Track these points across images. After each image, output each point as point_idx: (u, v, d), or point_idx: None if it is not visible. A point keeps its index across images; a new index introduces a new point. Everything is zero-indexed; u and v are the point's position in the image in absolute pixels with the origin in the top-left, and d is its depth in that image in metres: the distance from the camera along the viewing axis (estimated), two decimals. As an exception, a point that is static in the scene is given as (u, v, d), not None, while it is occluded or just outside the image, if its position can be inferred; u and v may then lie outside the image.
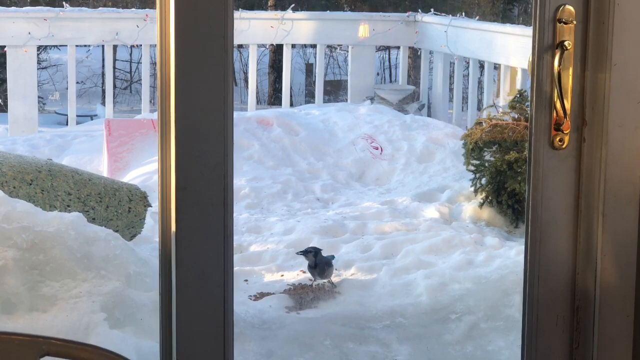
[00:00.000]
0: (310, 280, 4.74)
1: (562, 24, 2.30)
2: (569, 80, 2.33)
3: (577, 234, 2.41)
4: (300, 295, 4.58)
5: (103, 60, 13.02)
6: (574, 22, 2.31)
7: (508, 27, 8.55)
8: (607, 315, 2.39)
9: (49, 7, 8.74)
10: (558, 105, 2.31)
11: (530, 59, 2.35)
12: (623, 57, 2.30)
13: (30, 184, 4.27)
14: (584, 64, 2.34)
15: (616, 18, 2.29)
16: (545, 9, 2.31)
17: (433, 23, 9.44)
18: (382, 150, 7.11)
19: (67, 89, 8.94)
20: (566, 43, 2.30)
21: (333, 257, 4.93)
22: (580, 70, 2.34)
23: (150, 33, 8.39)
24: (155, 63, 10.47)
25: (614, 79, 2.31)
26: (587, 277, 2.40)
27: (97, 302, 3.35)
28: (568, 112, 2.32)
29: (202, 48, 2.20)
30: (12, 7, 8.74)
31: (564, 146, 2.35)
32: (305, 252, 4.78)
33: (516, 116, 5.86)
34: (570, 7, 2.31)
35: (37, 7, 8.75)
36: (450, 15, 9.34)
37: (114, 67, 10.13)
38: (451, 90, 9.44)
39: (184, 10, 2.18)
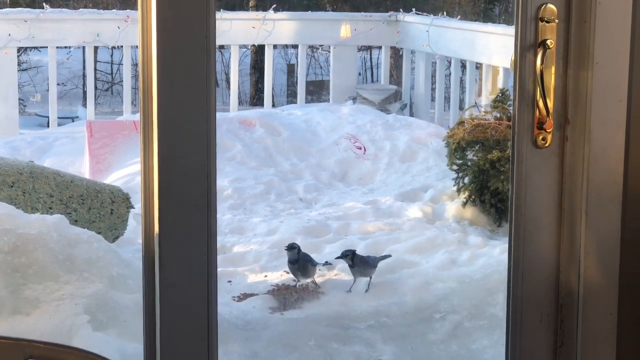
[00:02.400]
0: (294, 280, 4.73)
1: (544, 22, 2.31)
2: (551, 79, 2.33)
3: (561, 232, 2.41)
4: (284, 296, 4.57)
5: (84, 61, 12.96)
6: (556, 20, 2.31)
7: (489, 27, 8.57)
8: (590, 313, 2.40)
9: (29, 9, 8.71)
10: (541, 103, 2.31)
11: (513, 58, 2.35)
12: (605, 55, 2.31)
13: (12, 187, 4.25)
14: (566, 62, 2.35)
15: (598, 17, 2.30)
16: (527, 8, 2.31)
17: (415, 23, 9.45)
18: (365, 150, 7.11)
19: (47, 90, 8.90)
20: (548, 42, 2.30)
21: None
22: (562, 69, 2.35)
23: (132, 34, 8.36)
24: (137, 64, 10.48)
25: (596, 78, 2.31)
26: (570, 275, 2.41)
27: (80, 305, 3.34)
28: (551, 110, 2.32)
29: (184, 49, 2.19)
30: (-8, 9, 8.69)
31: (546, 145, 2.36)
32: (291, 248, 4.77)
33: (498, 115, 5.87)
34: (552, 6, 2.31)
35: (17, 9, 8.71)
36: (432, 15, 9.35)
37: (95, 69, 10.10)
38: (433, 89, 9.45)
39: (165, 11, 2.17)
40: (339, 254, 4.87)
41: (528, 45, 2.32)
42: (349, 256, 4.75)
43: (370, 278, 4.71)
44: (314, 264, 4.78)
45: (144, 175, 2.26)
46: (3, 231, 3.44)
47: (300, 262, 4.71)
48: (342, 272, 4.88)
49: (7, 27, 8.23)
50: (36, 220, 3.63)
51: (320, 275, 4.80)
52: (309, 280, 4.72)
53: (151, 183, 2.24)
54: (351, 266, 4.74)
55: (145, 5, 2.20)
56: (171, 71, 2.19)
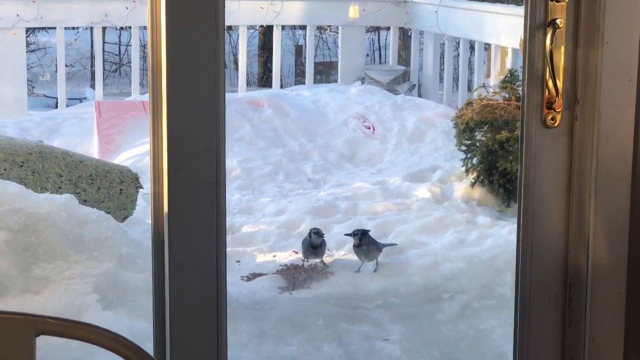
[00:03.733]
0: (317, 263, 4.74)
1: (553, 2, 2.30)
2: (560, 59, 2.33)
3: (570, 212, 2.41)
4: (292, 276, 4.59)
5: (92, 42, 12.96)
6: (566, 0, 2.31)
7: (498, 7, 8.54)
8: (599, 293, 2.40)
9: (37, -11, 8.69)
10: (550, 83, 2.31)
11: (522, 38, 2.34)
12: (615, 34, 2.30)
13: (21, 166, 4.26)
14: (576, 42, 2.34)
15: (608, -4, 2.29)
16: (537, -13, 2.30)
17: (423, 3, 9.42)
18: (374, 129, 7.10)
19: (56, 72, 8.90)
20: (558, 21, 2.29)
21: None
22: (572, 48, 2.34)
23: (140, 15, 8.35)
24: (145, 45, 10.45)
25: (606, 57, 2.31)
26: (579, 254, 2.41)
27: (90, 284, 3.35)
28: (560, 90, 2.32)
29: (193, 29, 2.19)
30: (1, -11, 8.68)
31: (556, 124, 2.35)
32: (354, 234, 4.78)
33: (507, 96, 5.86)
34: (562, -15, 2.30)
35: (25, -11, 8.69)
36: (441, -5, 9.32)
37: (103, 50, 10.09)
38: (442, 70, 9.42)
39: (174, -10, 2.17)
40: (341, 234, 4.86)
41: (537, 25, 2.31)
42: (358, 235, 4.75)
43: (376, 262, 4.71)
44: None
45: (153, 155, 2.26)
46: (13, 210, 3.45)
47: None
48: (350, 253, 4.88)
49: (15, 8, 8.23)
50: (46, 199, 3.64)
51: (328, 255, 4.81)
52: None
53: (160, 163, 2.25)
54: (357, 246, 4.73)
55: (155, -15, 2.20)
56: (180, 51, 2.19)
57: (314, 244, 4.73)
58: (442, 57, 9.40)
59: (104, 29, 9.14)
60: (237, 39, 9.93)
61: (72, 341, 1.44)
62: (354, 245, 4.75)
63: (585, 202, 2.38)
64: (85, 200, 4.33)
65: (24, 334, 1.33)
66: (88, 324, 1.39)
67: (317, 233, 4.78)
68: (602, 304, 2.41)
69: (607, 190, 2.36)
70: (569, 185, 2.40)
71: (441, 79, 9.42)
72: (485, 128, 5.81)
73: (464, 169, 5.89)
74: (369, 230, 4.87)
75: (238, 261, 4.79)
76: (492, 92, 6.04)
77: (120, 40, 14.46)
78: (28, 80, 9.33)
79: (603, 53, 2.30)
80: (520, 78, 5.67)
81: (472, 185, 5.76)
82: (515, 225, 2.43)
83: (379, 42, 14.46)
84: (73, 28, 10.29)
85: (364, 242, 4.72)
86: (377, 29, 13.61)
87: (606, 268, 2.39)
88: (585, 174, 2.37)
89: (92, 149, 6.65)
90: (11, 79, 8.27)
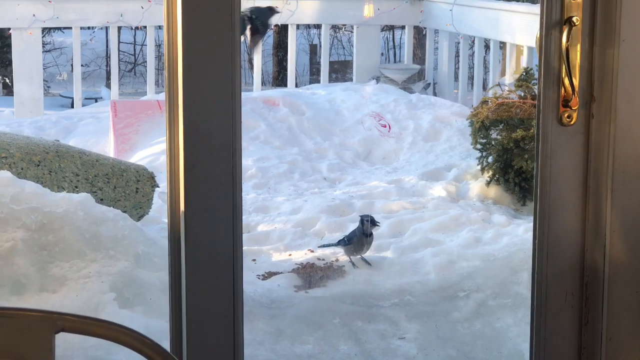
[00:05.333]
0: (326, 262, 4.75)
1: (570, -1, 2.30)
2: (577, 57, 2.32)
3: (586, 210, 2.41)
4: (308, 274, 4.59)
5: (107, 42, 13.00)
6: (582, -3, 2.30)
7: (514, 5, 8.52)
8: (616, 291, 2.39)
9: (53, -11, 8.71)
10: (566, 81, 2.30)
11: (538, 36, 2.34)
12: (631, 32, 2.30)
13: (38, 165, 4.27)
14: (592, 39, 2.34)
15: (624, -7, 2.29)
16: (553, -15, 2.30)
17: (438, 2, 9.41)
18: (390, 127, 7.10)
19: (71, 71, 8.93)
20: (574, 19, 2.29)
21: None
22: (588, 46, 2.34)
23: (155, 14, 8.37)
24: (160, 45, 10.46)
25: (623, 55, 2.30)
26: (595, 253, 2.40)
27: (107, 282, 3.36)
28: (576, 88, 2.32)
29: (209, 26, 2.20)
30: (17, -11, 8.71)
31: (572, 122, 2.35)
32: (362, 221, 4.79)
33: (522, 94, 5.85)
34: (578, -17, 2.30)
35: (41, -11, 8.71)
36: (456, -6, 9.30)
37: (119, 49, 10.13)
38: (457, 69, 9.41)
39: (190, -11, 2.17)
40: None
41: (554, 23, 2.31)
42: (368, 222, 4.75)
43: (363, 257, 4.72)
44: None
45: (169, 154, 2.27)
46: (30, 209, 3.46)
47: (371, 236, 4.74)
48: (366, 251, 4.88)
49: (31, 8, 8.26)
50: (62, 198, 3.65)
51: (343, 254, 4.81)
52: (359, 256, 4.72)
53: (177, 161, 2.26)
54: (368, 235, 4.72)
55: (171, -16, 2.21)
56: (196, 49, 2.20)
57: (367, 232, 4.73)
58: (457, 55, 9.38)
59: (119, 28, 9.17)
60: (253, 38, 9.92)
61: (91, 339, 1.45)
62: (365, 234, 4.74)
63: (601, 200, 2.38)
64: (101, 199, 4.34)
65: (44, 331, 1.34)
66: (107, 321, 1.40)
67: (371, 221, 4.78)
68: (619, 303, 2.40)
69: (624, 188, 2.36)
70: (586, 184, 2.40)
71: (456, 78, 9.41)
72: (501, 126, 5.80)
73: (479, 167, 5.88)
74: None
75: (254, 260, 4.80)
76: (508, 91, 6.03)
77: (135, 39, 14.50)
78: (44, 80, 9.36)
79: (619, 51, 2.30)
80: (536, 76, 5.66)
81: (488, 183, 5.76)
82: (531, 224, 2.43)
83: (393, 41, 14.46)
84: (89, 28, 10.33)
85: (366, 226, 4.73)
86: (391, 28, 13.62)
87: (623, 266, 2.39)
88: (602, 172, 2.37)
89: (108, 148, 6.67)
90: (28, 79, 8.31)
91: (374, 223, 4.80)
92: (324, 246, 4.86)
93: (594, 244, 2.40)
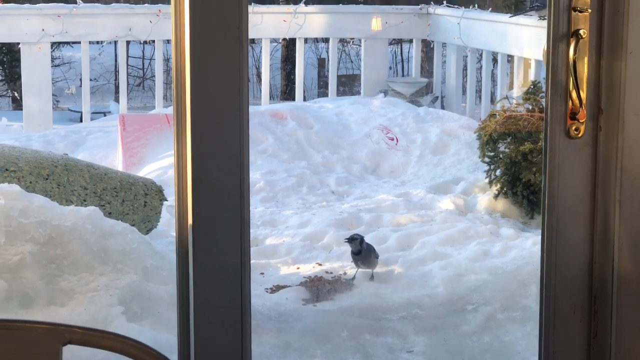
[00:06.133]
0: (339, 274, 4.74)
1: (577, 12, 2.30)
2: (584, 69, 2.32)
3: (594, 223, 2.40)
4: (316, 288, 4.59)
5: (116, 56, 13.05)
6: (589, 10, 2.30)
7: (521, 18, 8.53)
8: (624, 304, 2.39)
9: (62, 4, 8.76)
10: (574, 94, 2.30)
11: (545, 48, 2.34)
12: (639, 45, 2.30)
13: (47, 179, 4.29)
14: (600, 52, 2.33)
15: (631, 6, 2.29)
16: (560, -2, 2.30)
17: (446, 15, 9.43)
18: (397, 140, 7.10)
19: (80, 86, 8.96)
20: (581, 32, 2.29)
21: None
22: (595, 59, 2.34)
23: (164, 28, 8.40)
24: (168, 59, 10.50)
25: (630, 67, 2.30)
26: (604, 266, 2.40)
27: (115, 296, 3.36)
28: (584, 101, 2.32)
29: (216, 40, 2.20)
30: (26, 4, 8.75)
31: (580, 135, 2.35)
32: (351, 239, 4.77)
33: (530, 107, 5.85)
34: (585, -4, 2.30)
35: (50, 4, 8.76)
36: (463, 7, 9.32)
37: (127, 63, 10.17)
38: (464, 82, 9.42)
39: (198, 3, 2.18)
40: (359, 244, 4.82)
41: (561, 36, 2.31)
42: (358, 240, 4.74)
43: (372, 271, 4.71)
44: (376, 255, 4.78)
45: (177, 167, 2.27)
46: (38, 223, 3.47)
47: (363, 252, 4.72)
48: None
49: (41, 22, 8.30)
50: (71, 212, 3.66)
51: (352, 267, 4.80)
52: (370, 270, 4.72)
53: (185, 175, 2.26)
54: (356, 253, 4.71)
55: (179, -2, 2.21)
56: (204, 62, 2.20)
57: (354, 250, 4.72)
58: (464, 69, 9.39)
59: (127, 43, 9.21)
60: (260, 52, 9.98)
61: (99, 352, 1.45)
62: (353, 253, 4.73)
63: (609, 213, 2.37)
64: (110, 213, 4.35)
65: (51, 343, 1.34)
66: (114, 333, 1.40)
67: (349, 240, 4.77)
68: (628, 316, 2.39)
69: (632, 200, 2.35)
70: (594, 196, 2.39)
71: (464, 91, 9.41)
72: (509, 140, 5.80)
73: (487, 180, 5.88)
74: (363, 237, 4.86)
75: (262, 273, 4.80)
76: (515, 104, 6.03)
77: (143, 54, 14.55)
78: (53, 94, 9.40)
79: (627, 63, 2.30)
80: (544, 89, 5.66)
81: (496, 196, 5.75)
82: (539, 237, 2.43)
83: (401, 55, 14.48)
84: (97, 42, 10.37)
85: (363, 248, 4.72)
86: (399, 41, 13.64)
87: (632, 279, 2.38)
88: (610, 185, 2.37)
89: (116, 161, 6.68)
90: (37, 93, 8.34)
91: (351, 240, 4.77)
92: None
93: (602, 256, 2.39)
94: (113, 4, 9.89)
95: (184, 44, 2.21)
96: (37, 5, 9.07)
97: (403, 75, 13.69)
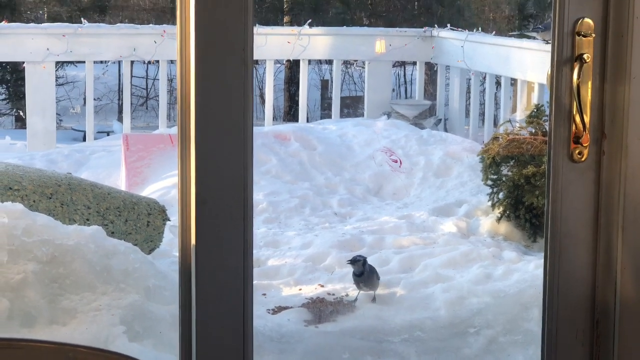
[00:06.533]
0: (337, 296, 4.73)
1: (580, 37, 2.31)
2: (588, 93, 2.33)
3: (597, 247, 2.40)
4: (318, 309, 4.58)
5: (119, 76, 13.08)
6: (593, 35, 2.32)
7: (524, 42, 8.55)
8: (627, 329, 2.39)
9: (67, 24, 8.80)
10: (577, 118, 2.31)
11: (549, 73, 2.35)
12: (642, 70, 2.31)
13: (50, 198, 4.29)
14: (603, 76, 2.34)
15: (635, 31, 2.30)
16: (564, 22, 2.32)
17: (449, 38, 9.46)
18: (401, 163, 7.11)
19: (83, 105, 8.98)
20: (585, 56, 2.30)
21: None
22: (599, 83, 2.35)
23: (168, 49, 8.42)
24: (171, 79, 10.52)
25: (634, 92, 2.31)
26: (606, 290, 2.40)
27: (117, 315, 3.36)
28: (587, 125, 2.32)
29: (221, 61, 2.21)
30: (31, 24, 8.80)
31: (583, 159, 2.35)
32: (354, 261, 4.76)
33: (533, 130, 5.86)
34: (589, 20, 2.31)
35: (55, 24, 8.81)
36: (467, 31, 9.35)
37: (131, 83, 10.19)
38: (468, 105, 9.43)
39: (204, 24, 2.19)
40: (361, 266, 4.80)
41: (565, 60, 2.32)
42: (361, 262, 4.74)
43: (374, 293, 4.70)
44: (378, 277, 4.77)
45: (181, 187, 2.28)
46: (41, 242, 3.47)
47: (366, 274, 4.71)
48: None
49: (45, 42, 8.33)
50: (74, 231, 3.66)
51: (354, 289, 4.80)
52: (372, 291, 4.71)
53: (188, 195, 2.27)
54: (358, 275, 4.71)
55: (184, 19, 2.23)
56: (209, 83, 2.21)
57: (356, 272, 4.71)
58: (468, 92, 9.41)
59: (132, 62, 9.24)
60: (264, 73, 9.99)
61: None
62: (355, 274, 4.72)
63: (612, 237, 2.38)
64: (112, 232, 4.35)
65: (55, 363, 1.34)
66: (118, 353, 1.40)
67: (352, 262, 4.76)
68: (630, 341, 2.39)
69: (635, 225, 2.36)
70: (596, 221, 2.40)
71: (467, 114, 9.43)
72: (512, 163, 5.80)
73: (490, 203, 5.88)
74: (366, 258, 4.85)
75: (264, 294, 4.79)
76: (519, 127, 6.04)
77: (147, 74, 14.58)
78: (56, 113, 9.42)
79: (630, 88, 2.31)
80: (547, 113, 5.67)
81: (498, 219, 5.75)
82: (542, 260, 2.43)
83: (405, 77, 14.50)
84: (102, 62, 10.40)
85: (365, 270, 4.72)
86: (403, 64, 13.66)
87: (634, 304, 2.38)
88: (613, 209, 2.37)
89: (119, 181, 6.69)
90: (41, 112, 8.36)
91: (353, 262, 4.76)
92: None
93: (605, 281, 2.40)
94: (118, 24, 9.92)
95: (189, 65, 2.22)
96: (42, 24, 9.12)
97: (406, 98, 13.71)
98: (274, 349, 3.94)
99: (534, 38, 8.20)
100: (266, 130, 7.62)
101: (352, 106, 11.67)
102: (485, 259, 5.21)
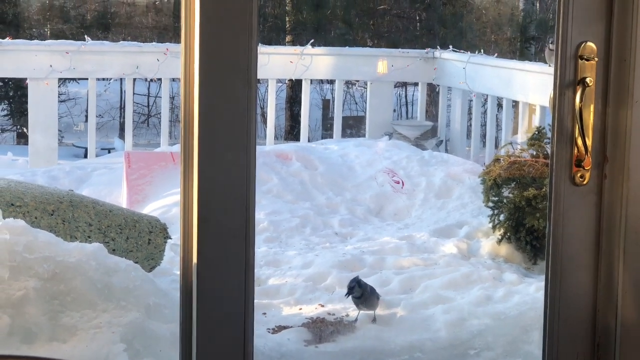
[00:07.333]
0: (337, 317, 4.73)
1: (583, 60, 2.32)
2: (590, 117, 2.34)
3: (598, 271, 2.41)
4: (319, 329, 4.57)
5: (121, 93, 13.11)
6: (596, 59, 2.33)
7: (526, 64, 8.58)
8: (627, 353, 2.39)
9: (70, 41, 8.82)
10: (579, 141, 2.32)
11: (552, 96, 2.36)
12: (644, 94, 2.32)
13: (52, 215, 4.30)
14: (605, 100, 2.35)
15: (638, 55, 2.31)
16: (567, 46, 2.33)
17: (451, 60, 9.48)
18: (403, 184, 7.11)
19: (85, 122, 8.99)
20: (587, 80, 2.31)
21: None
22: (601, 107, 2.35)
23: (170, 67, 8.44)
24: (174, 97, 10.52)
25: (636, 116, 2.32)
26: (607, 313, 2.40)
27: (117, 333, 3.36)
28: (589, 148, 2.33)
29: (225, 81, 2.22)
30: (35, 40, 8.83)
31: (584, 182, 2.36)
32: (351, 289, 4.73)
33: (535, 153, 5.86)
34: (591, 44, 2.32)
35: (59, 41, 8.83)
36: (469, 52, 9.38)
37: (133, 100, 10.21)
38: (469, 126, 9.45)
39: (208, 44, 2.20)
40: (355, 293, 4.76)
41: (567, 83, 2.33)
42: (355, 285, 4.71)
43: (374, 314, 4.70)
44: (378, 296, 4.77)
45: (183, 206, 2.29)
46: (43, 259, 3.47)
47: (365, 295, 4.70)
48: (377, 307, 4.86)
49: (48, 59, 8.35)
50: (75, 248, 3.66)
51: (354, 309, 4.80)
52: (372, 311, 4.70)
53: (190, 214, 2.27)
54: (358, 297, 4.69)
55: (189, 38, 2.24)
56: (212, 103, 2.22)
57: (356, 295, 4.69)
58: (469, 113, 9.43)
59: (134, 80, 9.25)
60: (265, 92, 10.02)
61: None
62: (355, 297, 4.70)
63: (614, 260, 2.38)
64: (114, 250, 4.35)
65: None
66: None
67: (350, 290, 4.73)
68: (630, 364, 2.39)
69: (637, 249, 2.36)
70: (598, 244, 2.40)
71: (469, 135, 9.45)
72: (513, 185, 5.81)
73: (491, 225, 5.88)
74: (358, 278, 4.83)
75: (264, 313, 4.79)
76: (520, 149, 6.05)
77: (149, 91, 14.61)
78: (58, 130, 9.44)
79: (632, 112, 2.32)
80: (548, 135, 5.68)
81: (499, 241, 5.75)
82: (542, 283, 2.43)
83: (406, 98, 14.54)
84: (104, 79, 10.42)
85: (364, 289, 4.70)
86: (405, 84, 13.70)
87: (635, 328, 2.38)
88: (614, 233, 2.37)
89: (120, 198, 6.69)
90: (43, 129, 8.38)
91: (356, 289, 4.74)
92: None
93: (606, 304, 2.40)
94: (121, 42, 9.96)
95: (193, 84, 2.23)
96: (46, 41, 9.14)
97: (408, 119, 13.74)
98: (274, 368, 3.94)
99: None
100: (267, 150, 7.62)
101: (354, 126, 11.69)
102: (486, 280, 5.21)
